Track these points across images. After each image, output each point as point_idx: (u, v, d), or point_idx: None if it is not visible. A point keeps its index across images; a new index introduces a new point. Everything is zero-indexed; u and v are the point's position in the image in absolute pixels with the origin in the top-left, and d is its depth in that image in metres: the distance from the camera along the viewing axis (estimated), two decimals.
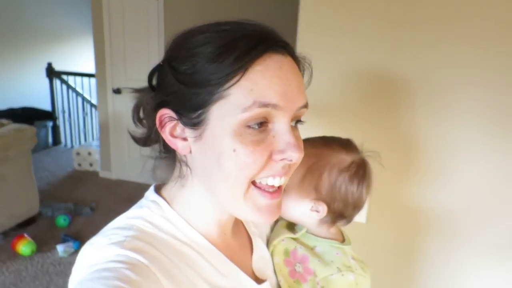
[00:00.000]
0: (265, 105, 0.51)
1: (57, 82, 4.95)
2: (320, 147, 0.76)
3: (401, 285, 1.27)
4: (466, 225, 1.16)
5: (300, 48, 1.15)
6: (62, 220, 3.02)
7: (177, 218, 0.60)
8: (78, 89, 5.01)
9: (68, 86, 4.97)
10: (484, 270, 1.18)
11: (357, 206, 0.77)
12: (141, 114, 0.61)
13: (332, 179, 0.74)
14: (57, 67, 4.89)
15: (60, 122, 5.16)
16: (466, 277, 1.19)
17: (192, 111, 0.53)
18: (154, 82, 0.59)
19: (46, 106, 5.10)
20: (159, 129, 0.57)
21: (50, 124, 5.09)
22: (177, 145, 0.56)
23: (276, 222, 0.83)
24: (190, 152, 0.57)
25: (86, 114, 5.02)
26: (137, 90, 0.61)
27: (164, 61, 0.57)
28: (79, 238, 2.83)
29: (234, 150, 0.52)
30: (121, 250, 0.52)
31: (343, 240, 0.80)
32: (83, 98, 5.03)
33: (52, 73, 4.86)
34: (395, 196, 1.20)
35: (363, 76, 1.14)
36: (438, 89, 1.09)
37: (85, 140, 5.10)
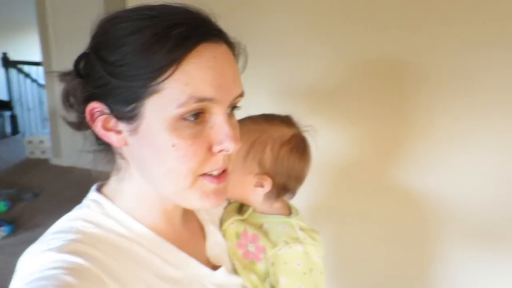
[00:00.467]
0: (201, 99, 0.48)
1: (13, 72, 4.72)
2: (261, 123, 0.76)
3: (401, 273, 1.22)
4: (471, 216, 1.10)
5: None
6: (2, 206, 2.98)
7: (120, 213, 0.56)
8: (36, 78, 4.80)
9: (25, 75, 4.76)
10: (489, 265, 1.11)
11: (299, 179, 0.78)
12: (72, 99, 0.56)
13: (275, 152, 0.74)
14: (14, 56, 4.65)
15: (17, 111, 4.94)
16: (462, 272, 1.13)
17: (124, 105, 0.49)
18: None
19: (2, 96, 4.90)
20: (89, 124, 0.52)
21: (7, 114, 4.87)
22: (110, 138, 0.52)
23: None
24: (127, 144, 0.53)
25: (42, 102, 4.79)
26: (64, 74, 0.55)
27: (91, 50, 0.51)
28: (17, 222, 2.80)
29: (173, 145, 0.49)
30: (59, 255, 0.48)
31: (290, 214, 0.79)
32: (40, 87, 4.80)
33: (7, 63, 4.64)
34: (395, 182, 1.16)
35: (364, 61, 1.10)
36: (450, 75, 1.03)
37: (44, 128, 4.90)
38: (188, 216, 0.68)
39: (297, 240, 0.72)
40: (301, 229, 0.75)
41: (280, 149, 0.74)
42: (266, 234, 0.73)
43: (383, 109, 1.11)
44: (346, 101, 1.15)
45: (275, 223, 0.76)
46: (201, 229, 0.70)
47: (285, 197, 0.80)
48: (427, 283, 1.17)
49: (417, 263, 1.18)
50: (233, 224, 0.75)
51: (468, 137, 1.05)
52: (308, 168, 0.78)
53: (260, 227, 0.75)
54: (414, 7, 1.03)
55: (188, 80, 0.47)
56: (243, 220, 0.76)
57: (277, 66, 1.20)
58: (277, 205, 0.79)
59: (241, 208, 0.81)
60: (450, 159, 1.08)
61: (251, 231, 0.73)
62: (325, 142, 1.09)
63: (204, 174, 0.53)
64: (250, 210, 0.77)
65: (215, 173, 0.54)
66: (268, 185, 0.74)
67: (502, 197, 1.05)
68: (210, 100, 0.49)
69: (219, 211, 0.79)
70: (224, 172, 0.55)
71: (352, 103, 1.15)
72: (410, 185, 1.13)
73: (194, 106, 0.48)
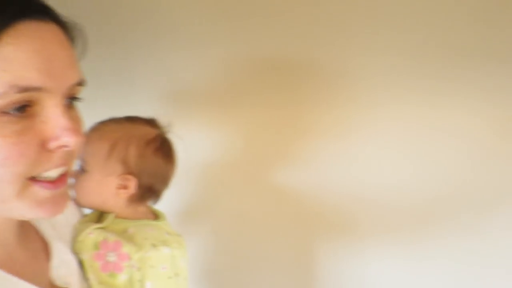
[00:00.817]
0: (25, 89, 0.39)
1: None
2: (124, 123, 0.72)
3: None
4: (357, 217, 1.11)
5: None
6: None
7: None
8: None
9: None
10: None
11: (165, 180, 0.75)
12: None
13: (140, 150, 0.70)
14: None
15: None
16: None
17: None
18: None
19: None
20: None
21: None
22: None
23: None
24: None
25: None
26: None
27: None
28: None
29: None
30: None
31: (156, 218, 0.76)
32: None
33: None
34: (274, 181, 1.13)
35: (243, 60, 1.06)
36: (335, 74, 1.02)
37: None
38: (28, 233, 0.58)
39: (164, 243, 0.69)
40: (168, 233, 0.73)
41: (146, 147, 0.71)
42: (131, 238, 0.68)
43: (263, 110, 1.10)
44: (228, 102, 1.11)
45: (141, 226, 0.71)
46: (46, 247, 0.60)
47: (150, 202, 0.76)
48: (307, 281, 1.19)
49: (297, 262, 1.19)
50: (92, 234, 0.67)
51: (350, 134, 1.07)
52: (174, 169, 0.76)
53: (124, 233, 0.70)
54: (303, 8, 1.03)
55: (5, 65, 0.39)
56: (103, 228, 0.69)
57: (166, 67, 1.11)
58: (142, 209, 0.75)
59: (98, 217, 0.73)
60: (329, 157, 1.09)
61: (112, 238, 0.67)
62: (205, 143, 1.09)
63: (35, 180, 0.44)
64: (111, 217, 0.71)
65: (52, 174, 0.45)
66: (132, 186, 0.70)
67: (385, 193, 1.09)
68: (37, 89, 0.40)
69: (70, 225, 0.69)
70: (62, 176, 0.47)
71: (234, 104, 1.11)
72: (289, 184, 1.14)
73: (16, 97, 0.39)
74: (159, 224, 0.74)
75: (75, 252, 0.65)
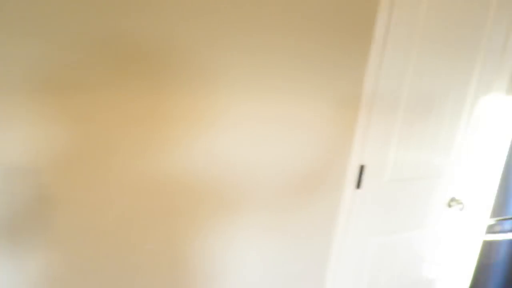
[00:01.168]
0: None
1: None
2: None
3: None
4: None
5: None
6: None
7: None
8: None
9: None
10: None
11: None
12: None
13: None
14: None
15: None
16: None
17: None
18: None
19: None
20: None
21: None
22: None
23: None
24: None
25: None
26: None
27: None
28: None
29: None
30: None
31: None
32: None
33: None
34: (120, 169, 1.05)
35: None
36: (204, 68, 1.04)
37: None
38: None
39: None
40: None
41: None
42: None
43: (111, 97, 1.00)
44: (66, 91, 0.96)
45: None
46: None
47: None
48: (170, 272, 1.20)
49: (162, 254, 1.18)
50: None
51: (208, 123, 1.12)
52: None
53: None
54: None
55: None
56: None
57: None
58: None
59: None
60: (185, 145, 1.11)
61: None
62: (40, 138, 0.94)
63: None
64: None
65: None
66: None
67: (244, 175, 1.21)
68: None
69: None
70: None
71: (72, 93, 0.96)
72: (147, 175, 1.10)
73: None
74: None
75: None
